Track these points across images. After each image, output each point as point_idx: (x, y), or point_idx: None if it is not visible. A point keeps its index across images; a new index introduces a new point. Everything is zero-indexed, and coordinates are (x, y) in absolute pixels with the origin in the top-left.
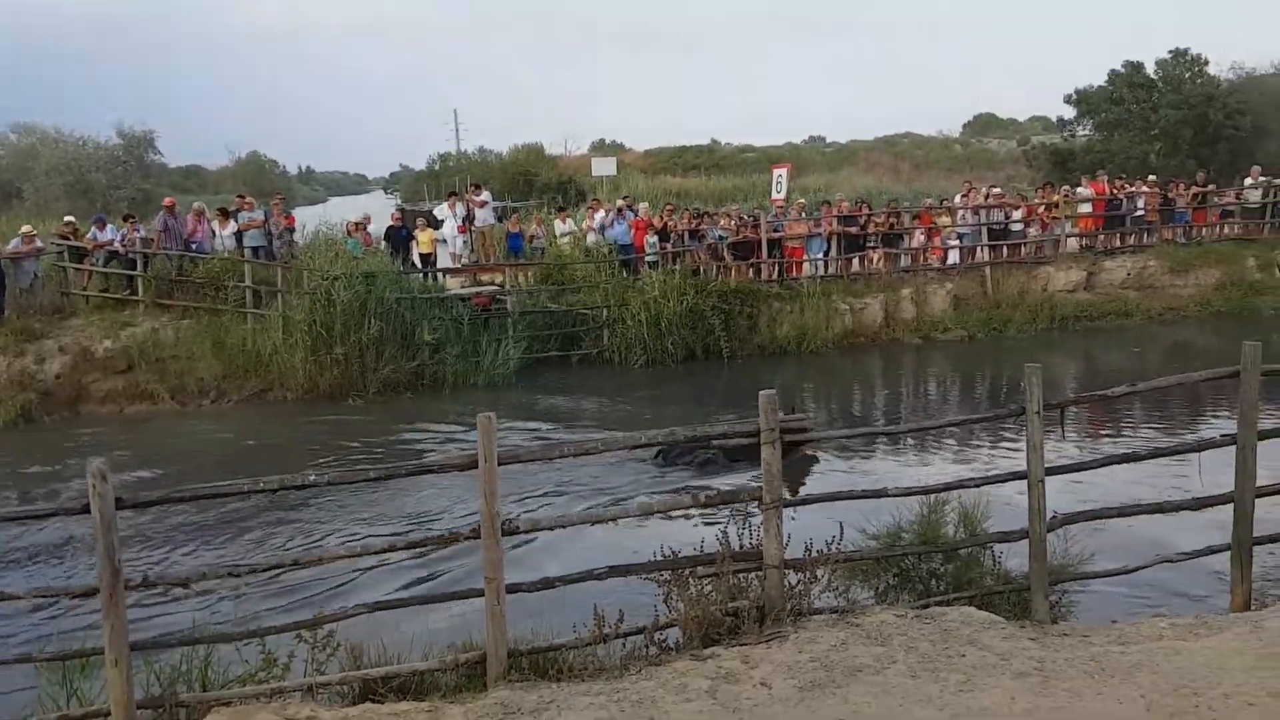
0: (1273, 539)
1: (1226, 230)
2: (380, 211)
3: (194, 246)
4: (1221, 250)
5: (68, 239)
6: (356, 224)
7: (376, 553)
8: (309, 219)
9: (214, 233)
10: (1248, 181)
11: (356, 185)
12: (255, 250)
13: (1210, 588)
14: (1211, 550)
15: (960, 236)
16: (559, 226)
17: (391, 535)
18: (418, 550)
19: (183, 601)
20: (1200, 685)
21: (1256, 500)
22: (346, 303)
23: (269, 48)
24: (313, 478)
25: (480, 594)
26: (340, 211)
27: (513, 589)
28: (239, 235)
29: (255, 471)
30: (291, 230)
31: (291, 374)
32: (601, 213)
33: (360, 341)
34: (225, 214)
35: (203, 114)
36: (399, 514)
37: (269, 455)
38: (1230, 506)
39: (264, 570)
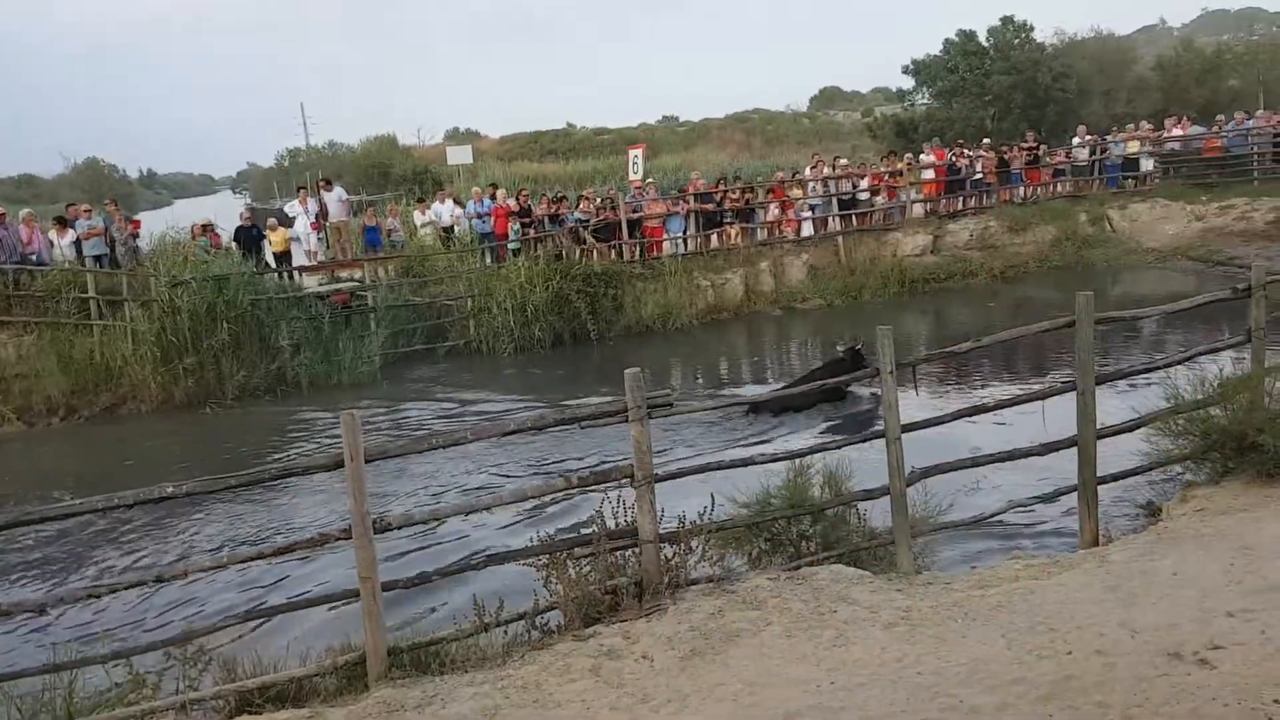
0: (1115, 477)
1: (1060, 188)
2: (229, 212)
3: (33, 258)
4: (1056, 208)
5: None
6: (203, 226)
7: (244, 561)
8: (154, 223)
9: (52, 243)
10: (1075, 141)
11: (203, 186)
12: (97, 259)
13: (1061, 527)
14: (1060, 492)
15: (812, 208)
16: (418, 218)
17: (260, 542)
18: (293, 556)
19: (43, 630)
20: (1055, 621)
21: (1098, 441)
22: (195, 308)
23: (100, 47)
24: (170, 490)
25: (355, 594)
26: (187, 214)
27: (389, 586)
28: (78, 244)
29: (113, 488)
30: (136, 236)
31: (144, 386)
32: (472, 203)
33: (213, 347)
34: (63, 223)
35: (33, 120)
36: (270, 521)
37: (126, 471)
38: (1074, 449)
39: (126, 588)
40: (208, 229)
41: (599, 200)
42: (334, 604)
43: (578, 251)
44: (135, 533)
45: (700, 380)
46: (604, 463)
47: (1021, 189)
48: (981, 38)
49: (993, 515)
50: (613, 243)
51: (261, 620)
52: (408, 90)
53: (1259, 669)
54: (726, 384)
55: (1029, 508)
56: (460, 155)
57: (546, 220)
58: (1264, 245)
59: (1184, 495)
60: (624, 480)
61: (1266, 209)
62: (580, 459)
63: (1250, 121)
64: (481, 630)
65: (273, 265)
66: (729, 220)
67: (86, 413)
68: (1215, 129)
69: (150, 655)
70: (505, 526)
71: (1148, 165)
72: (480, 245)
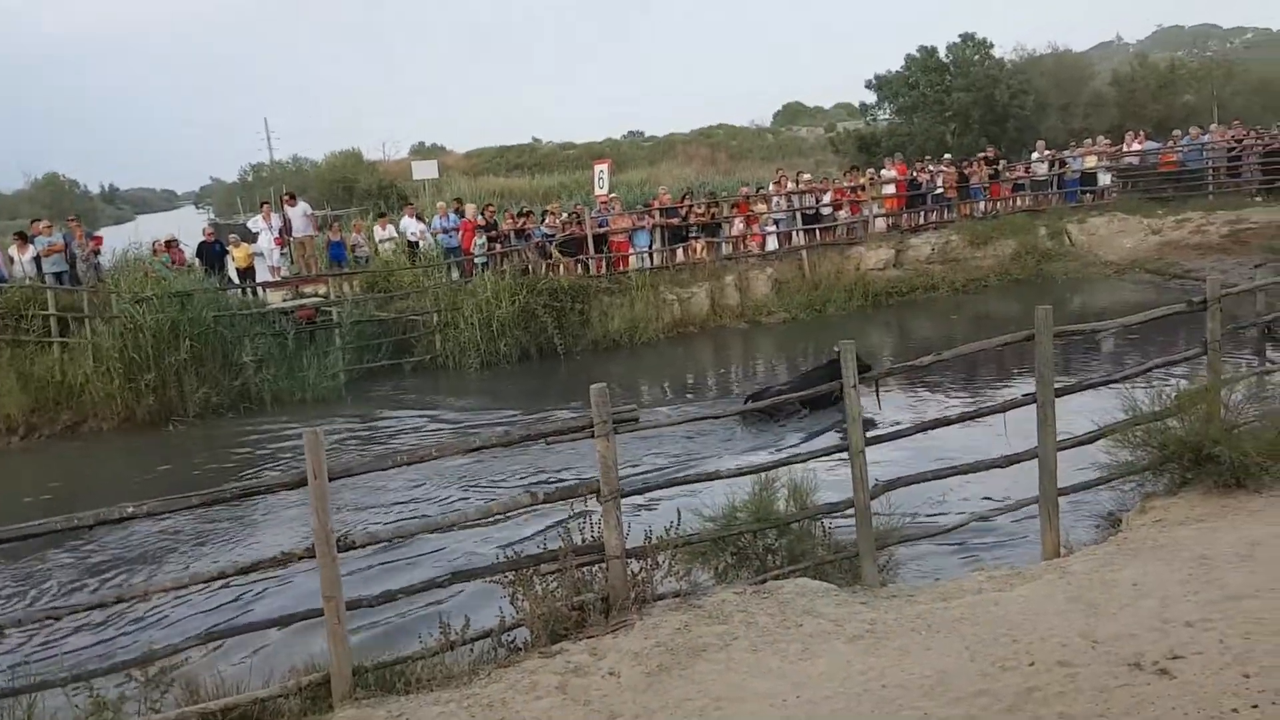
0: (1076, 489)
1: (1019, 203)
2: (193, 227)
3: None
4: (1016, 222)
5: None
6: (166, 243)
7: (206, 580)
8: (116, 239)
9: (12, 259)
10: (1034, 156)
11: (165, 202)
12: (58, 276)
13: (1022, 538)
14: (1021, 503)
15: (776, 222)
16: (379, 233)
17: (225, 561)
18: (258, 575)
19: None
20: (1018, 632)
21: (1058, 453)
22: (157, 325)
23: (61, 62)
24: (130, 510)
25: (320, 613)
26: (149, 230)
27: (353, 605)
28: (38, 261)
29: (74, 509)
30: (97, 253)
31: (106, 403)
32: (438, 218)
33: (175, 364)
34: (23, 238)
35: None
36: (236, 539)
37: (87, 491)
38: (1035, 462)
39: (86, 610)
40: (170, 245)
41: (565, 215)
42: (298, 623)
43: (544, 266)
44: (97, 553)
45: (669, 394)
46: (564, 479)
47: (982, 204)
48: (942, 54)
49: (956, 527)
50: (579, 257)
51: (224, 640)
52: (373, 105)
53: (1217, 678)
54: (693, 398)
55: (991, 519)
56: (426, 170)
57: (513, 235)
58: (1219, 258)
59: (1143, 506)
60: (590, 496)
61: (1221, 223)
62: (559, 472)
63: (1205, 136)
64: (447, 649)
65: (236, 281)
66: (695, 235)
67: (47, 431)
68: (1170, 144)
69: (111, 677)
70: (472, 543)
71: (1105, 180)
72: (446, 260)
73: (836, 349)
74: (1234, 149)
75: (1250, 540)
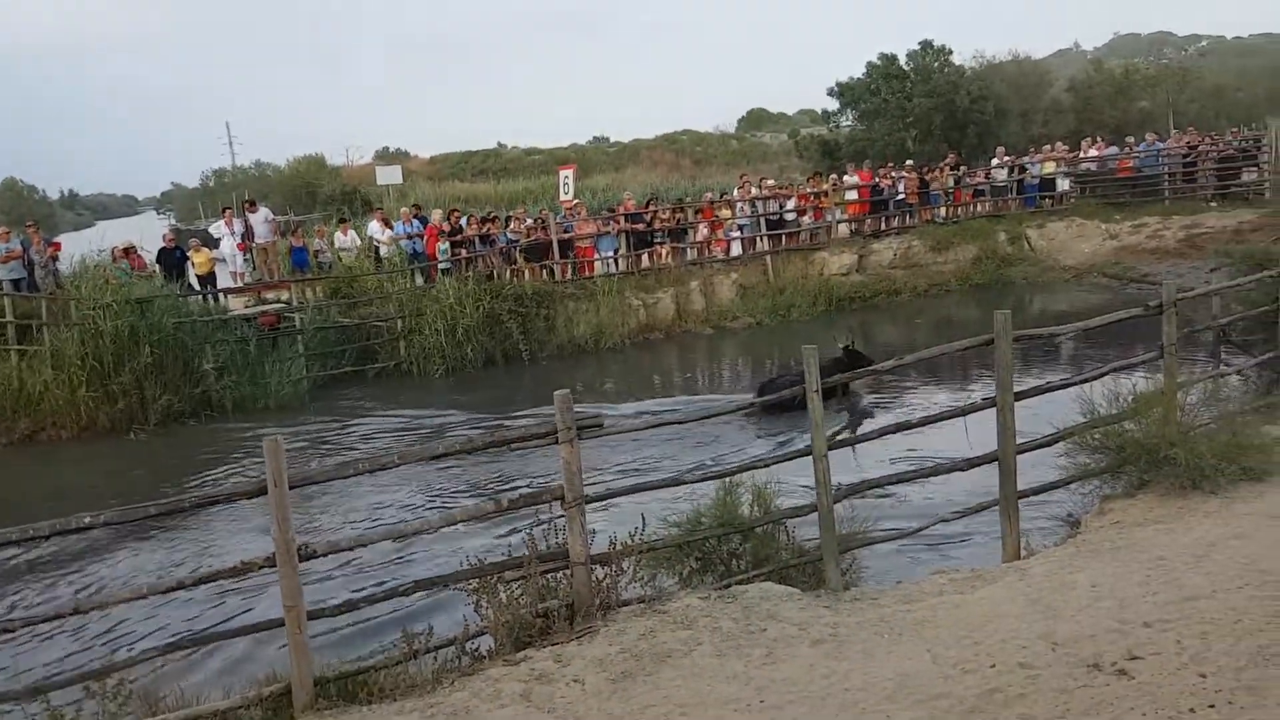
0: (1036, 491)
1: (979, 208)
2: (154, 233)
3: None
4: (976, 227)
5: None
6: (125, 249)
7: (165, 591)
8: (75, 245)
9: None
10: (994, 161)
11: (126, 207)
12: (15, 283)
13: (983, 541)
14: (982, 506)
15: (740, 228)
16: (339, 239)
17: (183, 571)
18: (218, 584)
19: None
20: (979, 634)
21: (1018, 456)
22: (118, 332)
23: (18, 67)
24: (88, 519)
25: (281, 623)
26: (109, 236)
27: (315, 614)
28: None
29: (31, 518)
30: (56, 259)
31: (64, 411)
32: (401, 224)
33: (135, 371)
34: None
35: None
36: (197, 548)
37: (45, 500)
38: (995, 464)
39: (42, 621)
40: (130, 251)
41: (529, 220)
42: (259, 633)
43: (508, 272)
44: (54, 563)
45: (636, 399)
46: (524, 486)
47: (943, 209)
48: (902, 61)
49: (918, 530)
50: (544, 263)
51: (184, 651)
52: (337, 110)
53: (1175, 678)
54: (661, 402)
55: (952, 522)
56: (390, 175)
57: (477, 240)
58: (1175, 263)
59: (1101, 508)
60: (555, 502)
61: (1177, 227)
62: (533, 478)
63: (1161, 143)
64: (410, 657)
65: (196, 288)
66: (660, 240)
67: (4, 440)
68: (1126, 150)
69: (69, 690)
70: (436, 550)
71: (1064, 185)
72: (410, 266)
73: (843, 343)
74: (1189, 155)
75: (1206, 541)
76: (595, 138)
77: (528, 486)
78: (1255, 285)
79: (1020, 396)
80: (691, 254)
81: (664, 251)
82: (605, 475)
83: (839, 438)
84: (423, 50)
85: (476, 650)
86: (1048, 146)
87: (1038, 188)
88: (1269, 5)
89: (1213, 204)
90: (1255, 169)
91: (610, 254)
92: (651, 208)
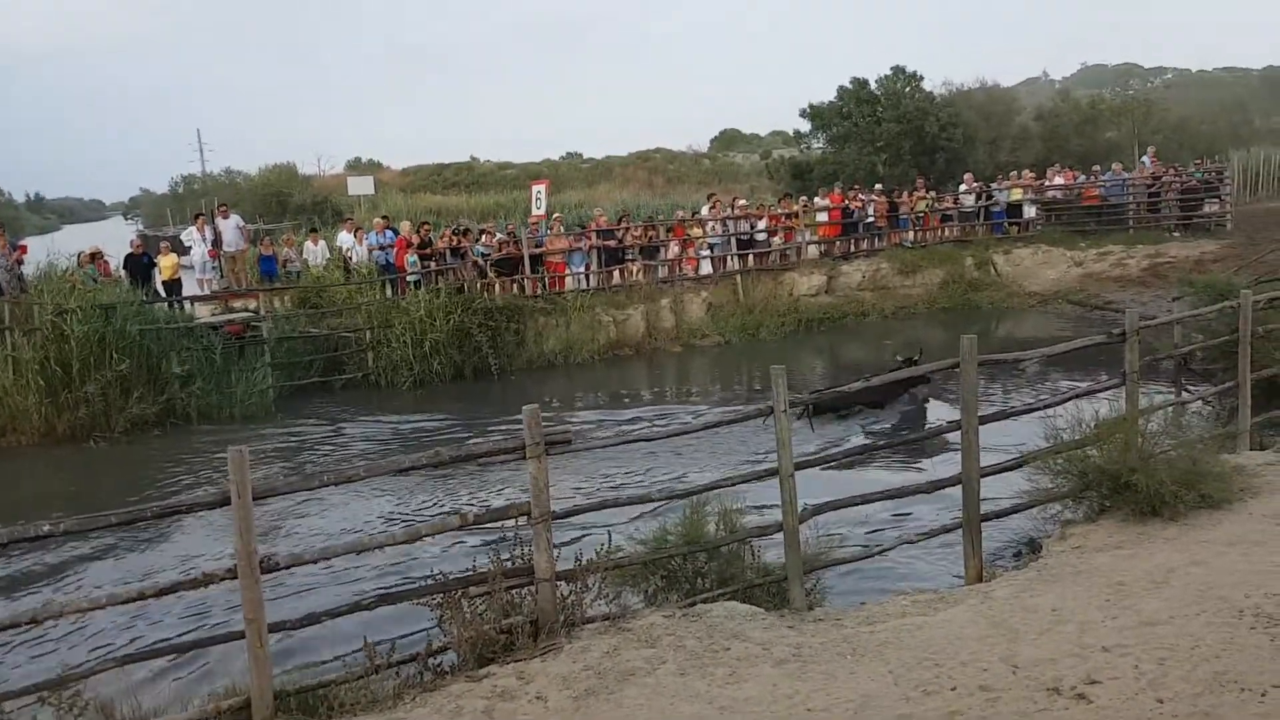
0: (999, 514)
1: (947, 233)
2: (121, 238)
3: None
4: (944, 251)
5: None
6: (92, 254)
7: (124, 601)
8: (41, 250)
9: None
10: (962, 188)
11: (93, 212)
12: None
13: (947, 563)
14: (946, 528)
15: (711, 247)
16: (309, 249)
17: (147, 580)
18: (179, 595)
19: None
20: (941, 656)
21: (982, 479)
22: (84, 337)
23: None
24: (46, 528)
25: (241, 636)
26: (76, 240)
27: (276, 627)
28: None
29: None
30: (21, 263)
31: (25, 417)
32: (374, 234)
33: (100, 378)
34: None
35: None
36: (161, 558)
37: (3, 507)
38: (960, 487)
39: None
40: (96, 257)
41: (499, 235)
42: (219, 645)
43: (479, 285)
44: (12, 572)
45: (604, 418)
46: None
47: (911, 233)
48: (873, 86)
49: (882, 551)
50: (515, 277)
51: (143, 662)
52: (309, 119)
53: (1133, 702)
54: (630, 419)
55: (917, 543)
56: (361, 186)
57: (448, 253)
58: (1139, 291)
59: (1063, 533)
60: (521, 518)
61: (1141, 256)
62: (500, 492)
63: (1126, 174)
64: (372, 672)
65: (163, 295)
66: (631, 257)
67: None
68: (1092, 179)
69: (24, 700)
70: (401, 564)
71: (1030, 212)
72: (380, 277)
73: (900, 357)
74: (1154, 185)
75: (1165, 567)
76: (569, 153)
77: (497, 501)
78: (1216, 315)
79: (985, 421)
80: (663, 271)
81: (635, 268)
82: (616, 480)
83: (804, 459)
84: (398, 62)
85: (439, 666)
86: (1015, 174)
87: (1005, 214)
88: (1232, 40)
89: (1176, 234)
90: (1217, 201)
91: (581, 269)
92: (624, 224)
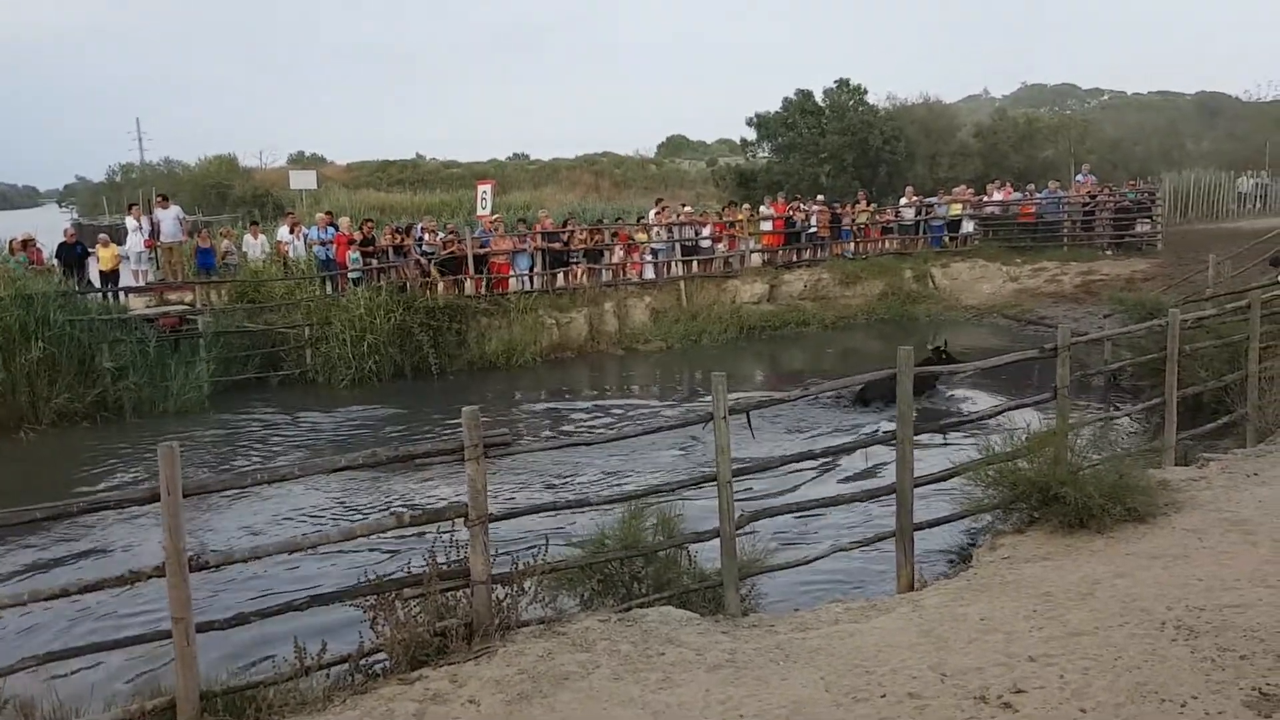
0: (931, 524)
1: (888, 245)
2: (56, 226)
3: None
4: (884, 263)
5: None
6: (23, 241)
7: (47, 598)
8: None
9: None
10: (903, 201)
11: (26, 198)
12: None
13: (879, 571)
14: (879, 537)
15: (656, 252)
16: (248, 242)
17: (68, 579)
18: (105, 592)
19: None
20: (871, 664)
21: (915, 489)
22: (6, 325)
23: None
24: None
25: (169, 635)
26: (8, 227)
27: (204, 627)
28: None
29: None
30: None
31: None
32: (315, 229)
33: (25, 367)
34: None
35: None
36: (89, 554)
37: None
38: (894, 496)
39: None
40: (28, 244)
41: (441, 234)
42: (145, 645)
43: (422, 284)
44: None
45: (546, 419)
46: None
47: (853, 244)
48: (818, 98)
49: (817, 558)
50: (458, 277)
51: (66, 662)
52: (254, 113)
53: (1057, 712)
54: (571, 421)
55: (850, 551)
56: (304, 180)
57: (391, 251)
58: (1071, 306)
59: (993, 543)
60: (458, 519)
61: (1074, 273)
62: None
63: (1062, 191)
64: (302, 674)
65: (97, 285)
66: (576, 260)
67: None
68: (1029, 196)
69: None
70: (335, 564)
71: (968, 227)
72: (321, 274)
73: (930, 345)
74: (1089, 204)
75: (1091, 579)
76: (515, 154)
77: (437, 502)
78: (1145, 333)
79: (920, 431)
80: (607, 275)
81: (579, 271)
82: (556, 483)
83: (741, 466)
84: (343, 58)
85: (371, 668)
86: (956, 188)
87: (943, 228)
88: (1165, 64)
89: (1108, 252)
90: (1149, 221)
91: (525, 271)
92: (569, 227)
